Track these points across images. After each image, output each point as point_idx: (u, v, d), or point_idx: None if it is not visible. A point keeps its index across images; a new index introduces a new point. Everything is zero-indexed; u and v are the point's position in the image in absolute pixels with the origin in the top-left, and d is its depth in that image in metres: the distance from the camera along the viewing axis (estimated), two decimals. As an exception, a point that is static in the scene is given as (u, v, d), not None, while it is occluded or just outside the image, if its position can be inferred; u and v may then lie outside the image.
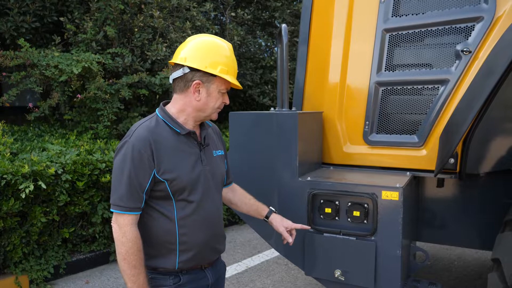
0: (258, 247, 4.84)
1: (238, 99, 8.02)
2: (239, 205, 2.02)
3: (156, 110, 1.68)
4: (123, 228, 1.52)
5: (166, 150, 1.56)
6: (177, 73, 1.60)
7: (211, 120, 1.83)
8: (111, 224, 1.57)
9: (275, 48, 7.66)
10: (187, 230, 1.60)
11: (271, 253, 4.62)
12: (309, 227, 2.06)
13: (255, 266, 4.29)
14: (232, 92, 7.63)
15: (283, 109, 2.45)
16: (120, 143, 1.58)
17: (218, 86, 1.60)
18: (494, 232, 2.23)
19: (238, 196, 2.02)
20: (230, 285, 3.83)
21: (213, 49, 1.61)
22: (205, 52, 1.59)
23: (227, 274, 4.05)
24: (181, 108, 1.63)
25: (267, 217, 1.99)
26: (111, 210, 1.55)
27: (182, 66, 1.58)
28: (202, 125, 1.73)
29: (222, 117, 8.13)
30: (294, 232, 1.97)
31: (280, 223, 1.95)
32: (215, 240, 1.73)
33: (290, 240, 1.92)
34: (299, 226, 1.97)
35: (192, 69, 1.57)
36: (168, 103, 1.69)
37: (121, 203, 1.51)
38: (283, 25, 2.40)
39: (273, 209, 2.01)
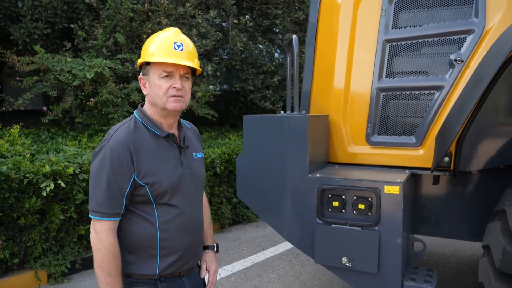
0: (262, 244, 5.06)
1: (239, 103, 8.26)
2: None
3: (134, 112, 1.62)
4: (99, 234, 1.46)
5: (145, 153, 1.51)
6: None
7: (192, 122, 1.78)
8: (90, 229, 1.51)
9: (275, 54, 7.92)
10: (169, 234, 1.55)
11: (275, 250, 4.85)
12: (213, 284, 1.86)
13: (261, 262, 4.51)
14: (232, 96, 7.91)
15: (294, 113, 2.69)
16: (97, 147, 1.51)
17: (154, 72, 1.51)
18: (485, 225, 2.47)
19: None
20: (237, 279, 4.05)
21: (149, 41, 1.56)
22: (144, 47, 1.56)
23: (235, 270, 4.26)
24: (147, 107, 1.61)
25: (205, 248, 1.86)
26: (89, 216, 1.49)
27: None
28: (180, 127, 1.68)
29: (227, 122, 8.38)
30: (211, 280, 1.84)
31: (205, 260, 1.85)
32: (197, 244, 1.69)
33: (202, 275, 1.81)
34: (210, 279, 1.84)
35: (140, 69, 1.60)
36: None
37: (100, 209, 1.46)
38: (294, 36, 2.64)
39: (215, 247, 1.90)
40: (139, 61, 1.57)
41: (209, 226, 1.92)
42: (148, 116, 1.58)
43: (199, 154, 1.75)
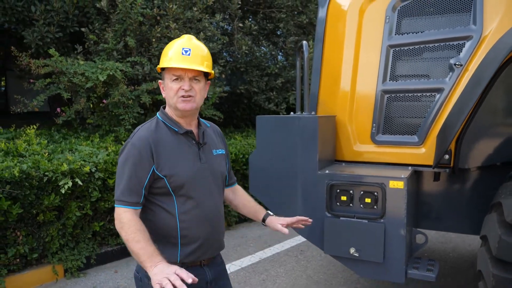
0: (268, 241, 5.23)
1: (242, 105, 8.41)
2: (240, 207, 2.08)
3: (157, 113, 1.80)
4: (119, 216, 1.62)
5: (165, 149, 1.67)
6: None
7: (213, 121, 1.91)
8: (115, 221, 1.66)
9: (279, 57, 8.10)
10: (188, 224, 1.69)
11: (281, 247, 5.01)
12: (307, 219, 1.97)
13: (268, 257, 4.68)
14: (236, 98, 8.08)
15: (304, 113, 2.86)
16: (124, 144, 1.71)
17: (167, 76, 1.69)
18: (482, 218, 2.64)
19: (239, 198, 2.08)
20: (246, 274, 4.21)
21: (166, 48, 1.72)
22: (162, 54, 1.74)
23: (243, 265, 4.43)
24: (167, 108, 1.79)
25: (264, 220, 1.99)
26: (115, 205, 1.66)
27: None
28: (199, 125, 1.82)
29: (231, 124, 8.54)
30: (296, 221, 1.94)
31: (275, 222, 1.93)
32: (216, 236, 1.81)
33: (286, 231, 1.90)
34: (294, 219, 1.94)
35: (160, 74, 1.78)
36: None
37: (123, 198, 1.62)
38: (304, 42, 2.82)
39: (270, 212, 2.00)
40: (158, 67, 1.75)
41: (254, 205, 2.05)
42: (168, 116, 1.75)
43: (219, 151, 1.87)
